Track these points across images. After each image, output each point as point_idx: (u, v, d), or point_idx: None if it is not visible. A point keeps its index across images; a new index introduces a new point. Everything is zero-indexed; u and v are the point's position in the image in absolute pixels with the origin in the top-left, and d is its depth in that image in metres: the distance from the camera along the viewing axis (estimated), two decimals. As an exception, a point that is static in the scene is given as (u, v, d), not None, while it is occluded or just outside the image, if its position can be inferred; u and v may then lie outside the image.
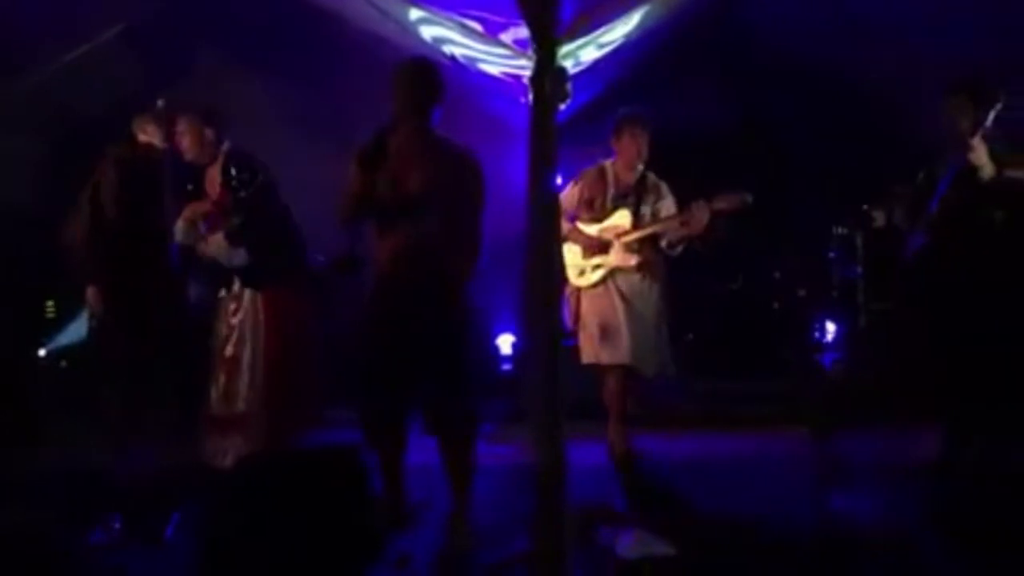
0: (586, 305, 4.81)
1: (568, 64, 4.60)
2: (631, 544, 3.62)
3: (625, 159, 4.81)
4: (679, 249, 4.81)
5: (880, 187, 6.30)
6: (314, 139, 6.03)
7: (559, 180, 4.83)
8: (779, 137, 7.35)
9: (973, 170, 4.34)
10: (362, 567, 3.13)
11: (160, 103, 4.28)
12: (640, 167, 4.84)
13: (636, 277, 4.80)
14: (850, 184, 6.82)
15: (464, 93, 5.48)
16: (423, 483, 4.02)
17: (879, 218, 4.87)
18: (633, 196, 4.82)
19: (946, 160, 4.56)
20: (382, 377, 3.73)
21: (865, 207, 5.69)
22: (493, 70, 5.25)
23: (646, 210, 4.83)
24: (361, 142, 3.66)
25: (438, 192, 3.65)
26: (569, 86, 3.42)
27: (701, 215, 4.60)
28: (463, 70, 5.38)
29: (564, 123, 4.97)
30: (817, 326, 6.78)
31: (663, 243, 4.80)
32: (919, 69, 5.40)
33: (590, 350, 4.75)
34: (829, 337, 6.69)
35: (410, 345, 3.69)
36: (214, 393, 4.45)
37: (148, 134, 4.70)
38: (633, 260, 4.77)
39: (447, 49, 5.19)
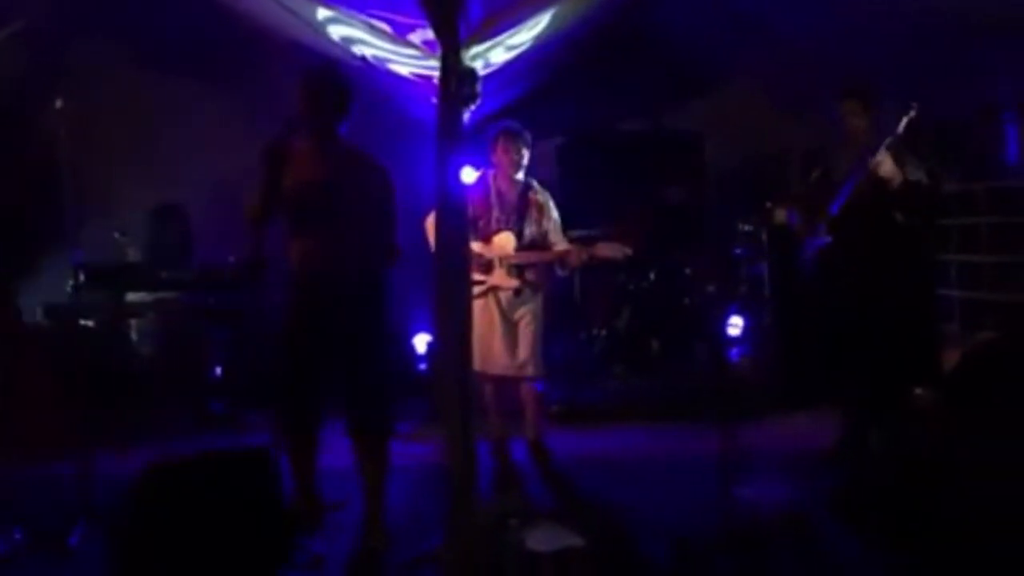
0: None
1: (478, 66, 4.61)
2: (542, 537, 3.67)
3: (502, 172, 4.87)
4: (569, 270, 4.95)
5: (782, 185, 6.51)
6: (221, 139, 5.96)
7: (476, 179, 4.90)
8: (687, 138, 7.51)
9: (880, 179, 4.49)
10: (274, 569, 3.12)
11: (58, 103, 4.16)
12: (519, 178, 4.88)
13: (516, 294, 4.89)
14: (755, 182, 7.02)
15: (375, 94, 5.47)
16: (337, 485, 4.02)
17: (779, 215, 5.01)
18: (516, 216, 4.87)
19: (843, 161, 4.71)
20: (297, 380, 3.72)
21: (768, 204, 5.87)
22: (403, 70, 5.24)
23: (530, 231, 4.88)
24: (267, 140, 3.65)
25: (343, 196, 3.65)
26: (479, 87, 3.47)
27: (579, 258, 4.79)
28: (374, 70, 5.36)
29: (479, 125, 5.03)
30: (725, 321, 6.92)
31: (556, 268, 4.92)
32: (815, 70, 5.58)
33: None
34: (737, 331, 6.84)
35: (323, 348, 3.68)
36: None
37: None
38: (514, 283, 4.87)
39: (357, 49, 5.16)
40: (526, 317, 4.89)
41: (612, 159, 7.23)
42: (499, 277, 4.87)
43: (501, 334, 4.85)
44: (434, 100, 3.44)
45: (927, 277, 5.73)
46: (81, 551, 3.70)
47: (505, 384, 4.96)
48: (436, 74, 3.34)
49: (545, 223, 4.90)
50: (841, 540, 3.65)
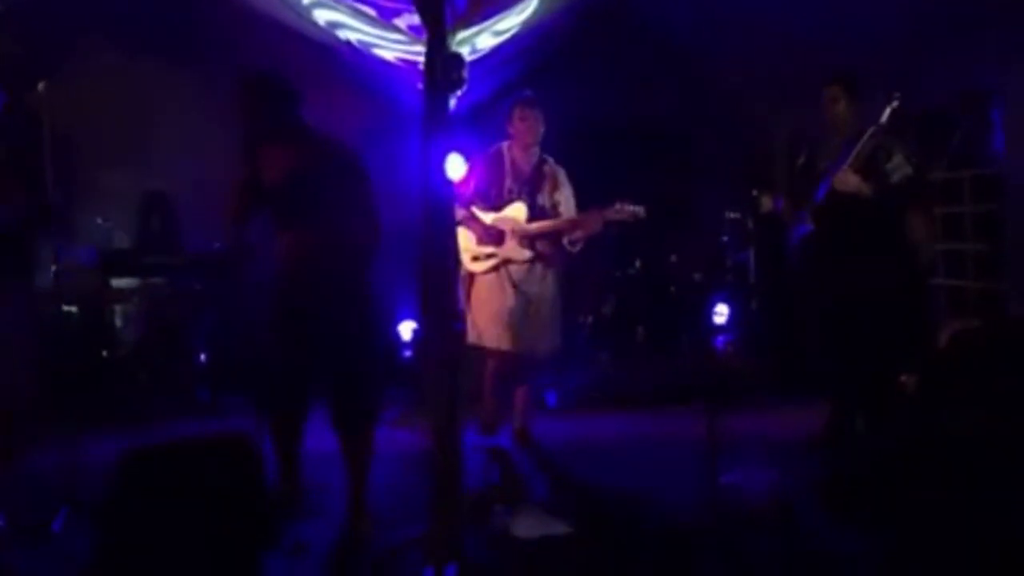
0: (477, 290, 4.83)
1: (464, 51, 4.58)
2: (527, 523, 3.68)
3: (519, 142, 4.81)
4: (580, 245, 4.81)
5: (768, 172, 6.52)
6: (207, 126, 5.92)
7: (463, 167, 4.88)
8: (676, 125, 7.50)
9: (846, 192, 4.47)
10: (257, 555, 3.11)
11: (41, 86, 4.11)
12: (536, 150, 4.83)
13: (528, 268, 4.81)
14: (743, 170, 7.03)
15: (362, 79, 5.45)
16: (321, 470, 4.01)
17: (766, 203, 5.00)
18: (529, 187, 4.79)
19: (828, 148, 4.71)
20: (282, 367, 3.71)
21: (754, 192, 5.87)
22: (388, 56, 5.21)
23: (543, 201, 4.81)
24: (253, 133, 3.64)
25: (319, 187, 3.65)
26: (465, 73, 3.45)
27: (595, 223, 4.70)
28: (360, 55, 5.33)
29: (466, 111, 4.99)
30: (711, 308, 6.95)
31: (564, 241, 4.79)
32: (803, 58, 5.57)
33: (475, 333, 4.72)
34: (722, 319, 6.87)
35: (309, 336, 3.67)
36: None
37: None
38: (526, 254, 4.78)
39: (342, 34, 5.14)
40: (540, 293, 4.81)
41: (598, 147, 7.22)
42: (511, 249, 4.78)
43: (512, 309, 4.76)
44: (420, 86, 3.42)
45: (913, 264, 5.74)
46: (64, 537, 3.69)
47: (510, 364, 4.87)
48: (422, 59, 3.32)
49: (557, 195, 4.83)
50: (827, 527, 3.66)
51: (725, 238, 7.00)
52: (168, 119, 6.14)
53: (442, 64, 3.16)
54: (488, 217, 4.81)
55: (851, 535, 3.51)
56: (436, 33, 3.16)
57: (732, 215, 6.88)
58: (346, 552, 3.60)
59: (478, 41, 5.02)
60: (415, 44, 4.81)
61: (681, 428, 5.07)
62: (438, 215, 3.22)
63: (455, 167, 4.29)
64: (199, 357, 5.93)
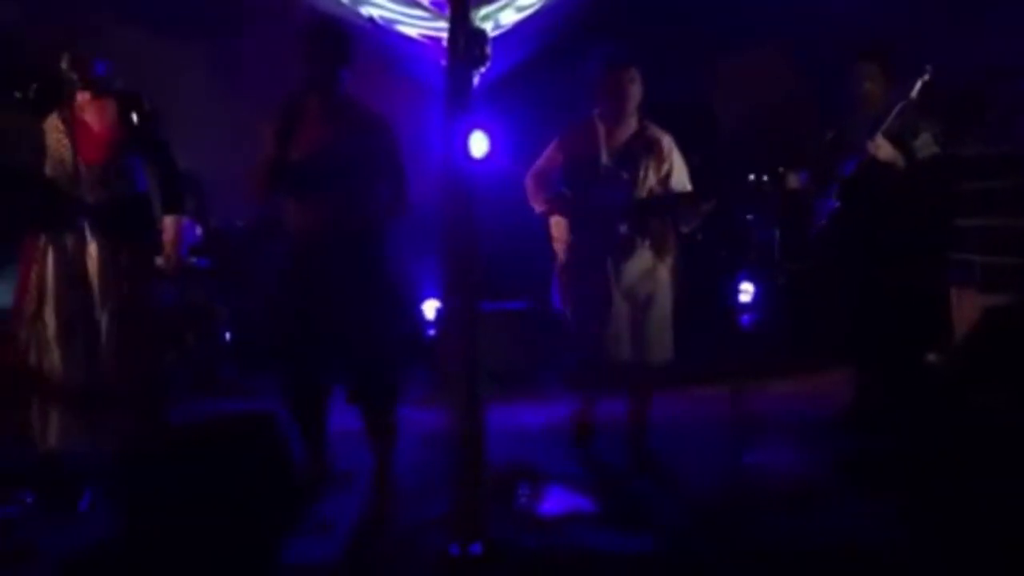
0: (575, 288, 4.17)
1: (487, 27, 4.54)
2: (551, 502, 3.68)
3: (612, 110, 4.07)
4: (695, 224, 4.12)
5: (797, 149, 6.42)
6: (220, 100, 5.92)
7: (486, 144, 4.81)
8: (700, 102, 7.43)
9: (882, 161, 4.41)
10: (282, 533, 3.13)
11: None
12: (634, 119, 4.09)
13: (636, 258, 4.07)
14: (770, 146, 6.94)
15: (385, 55, 5.42)
16: (346, 448, 4.02)
17: (792, 180, 4.94)
18: (629, 160, 4.02)
19: (857, 123, 4.64)
20: (301, 345, 3.70)
21: (780, 169, 5.79)
22: (412, 32, 5.16)
23: (647, 176, 4.04)
24: (277, 105, 3.63)
25: (348, 161, 3.62)
26: (489, 49, 3.41)
27: (707, 208, 4.06)
28: (383, 32, 5.30)
29: (489, 87, 4.93)
30: (737, 287, 6.89)
31: (679, 223, 4.11)
32: (829, 32, 5.49)
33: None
34: (748, 297, 6.81)
35: (326, 312, 3.66)
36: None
37: None
38: (633, 240, 4.03)
39: (364, 10, 5.10)
40: (649, 289, 4.07)
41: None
42: (613, 234, 4.03)
43: (615, 310, 4.03)
44: (443, 62, 3.39)
45: (939, 241, 5.67)
46: (90, 515, 3.72)
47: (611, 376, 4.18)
48: (445, 35, 3.29)
49: (665, 166, 4.03)
50: (852, 505, 3.64)
51: (750, 216, 6.93)
52: (192, 98, 6.13)
53: (465, 40, 3.13)
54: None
55: (876, 514, 3.49)
56: (459, 9, 3.13)
57: (759, 192, 6.80)
58: (371, 530, 3.61)
59: (501, 16, 4.96)
60: (438, 20, 4.76)
61: (706, 407, 5.04)
62: (460, 193, 3.19)
63: (478, 144, 4.22)
64: (224, 335, 5.95)
